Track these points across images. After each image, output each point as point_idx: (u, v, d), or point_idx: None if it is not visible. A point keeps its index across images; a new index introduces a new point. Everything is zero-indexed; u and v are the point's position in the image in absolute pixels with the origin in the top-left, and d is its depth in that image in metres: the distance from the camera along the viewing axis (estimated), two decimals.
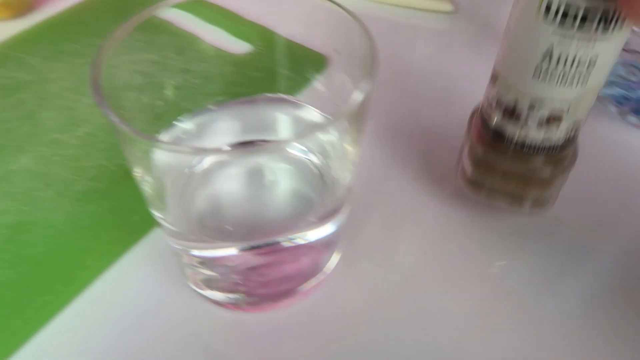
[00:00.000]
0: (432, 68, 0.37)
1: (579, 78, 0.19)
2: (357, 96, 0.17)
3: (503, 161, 0.23)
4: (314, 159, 0.23)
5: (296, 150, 0.24)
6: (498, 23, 0.41)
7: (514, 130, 0.22)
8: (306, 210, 0.23)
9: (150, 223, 0.26)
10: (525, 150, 0.22)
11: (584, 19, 0.17)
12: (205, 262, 0.22)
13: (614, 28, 0.18)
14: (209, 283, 0.23)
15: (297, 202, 0.23)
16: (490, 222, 0.27)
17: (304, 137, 0.16)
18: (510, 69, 0.21)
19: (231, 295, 0.23)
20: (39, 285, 0.24)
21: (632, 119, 0.30)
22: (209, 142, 0.25)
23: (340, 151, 0.22)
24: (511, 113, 0.21)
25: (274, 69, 0.27)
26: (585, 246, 0.25)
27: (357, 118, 0.18)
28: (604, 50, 0.18)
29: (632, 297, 0.24)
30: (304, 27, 0.24)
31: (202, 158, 0.25)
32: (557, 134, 0.21)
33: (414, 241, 0.26)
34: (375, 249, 0.26)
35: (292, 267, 0.22)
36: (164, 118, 0.25)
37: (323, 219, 0.21)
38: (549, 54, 0.19)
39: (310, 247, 0.21)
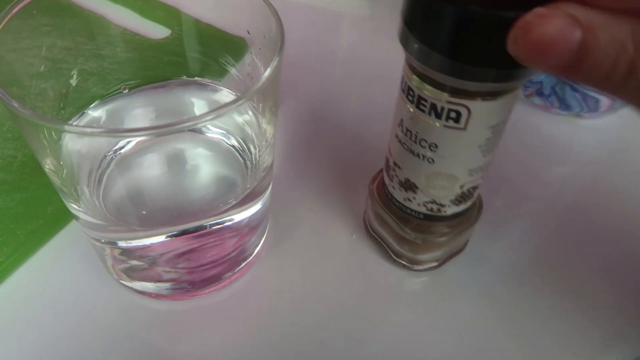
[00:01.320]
0: (354, 53, 0.38)
1: (423, 156, 0.20)
2: (267, 73, 0.17)
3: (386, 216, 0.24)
4: (234, 142, 0.23)
5: (215, 134, 0.24)
6: None
7: (387, 183, 0.23)
8: (229, 192, 0.23)
9: (66, 215, 0.25)
10: (397, 208, 0.23)
11: (418, 101, 0.19)
12: (128, 252, 0.22)
13: (448, 121, 0.18)
14: (132, 273, 0.22)
15: (220, 185, 0.23)
16: None
17: (218, 115, 0.16)
18: (391, 129, 0.22)
19: (156, 284, 0.23)
20: None
21: (537, 100, 0.32)
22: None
23: (258, 132, 0.22)
24: (387, 168, 0.23)
25: (190, 54, 0.27)
26: (496, 222, 0.27)
27: (269, 95, 0.19)
28: (443, 139, 0.19)
29: (542, 271, 0.26)
30: (218, 10, 0.24)
31: (117, 143, 0.24)
32: (415, 201, 0.22)
33: (338, 223, 0.27)
34: (300, 231, 0.26)
35: (218, 250, 0.22)
36: (73, 105, 0.23)
37: (246, 200, 0.21)
38: (401, 123, 0.20)
39: (235, 229, 0.22)
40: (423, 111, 0.19)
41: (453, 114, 0.18)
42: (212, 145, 0.24)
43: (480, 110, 0.18)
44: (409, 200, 0.22)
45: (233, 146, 0.23)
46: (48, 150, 0.18)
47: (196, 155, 0.24)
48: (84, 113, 0.23)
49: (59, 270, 0.24)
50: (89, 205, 0.21)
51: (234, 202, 0.20)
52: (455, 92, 0.18)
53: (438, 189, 0.21)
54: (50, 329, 0.22)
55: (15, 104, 0.15)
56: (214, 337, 0.22)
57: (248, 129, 0.22)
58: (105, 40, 0.26)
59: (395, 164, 0.22)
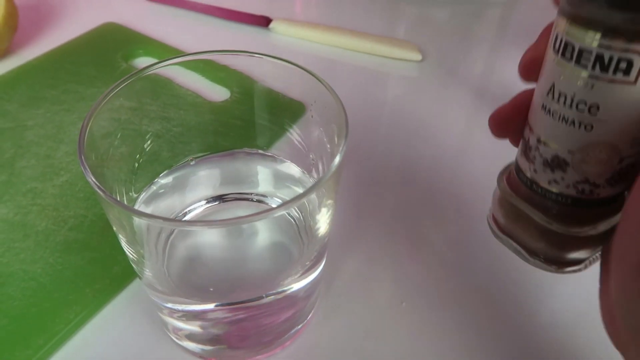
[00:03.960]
0: (403, 112, 0.39)
1: (580, 123, 0.18)
2: (336, 160, 0.18)
3: (522, 204, 0.21)
4: (293, 212, 0.24)
5: (274, 203, 0.25)
6: (462, 70, 0.44)
7: (525, 168, 0.21)
8: (287, 264, 0.24)
9: (130, 274, 0.26)
10: (540, 195, 0.21)
11: (579, 55, 0.17)
12: (185, 315, 0.23)
13: (616, 74, 0.17)
14: (190, 335, 0.23)
15: (278, 256, 0.24)
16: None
17: (291, 205, 0.17)
18: (532, 105, 0.21)
19: (211, 348, 0.23)
20: (19, 340, 0.24)
21: None
22: (187, 196, 0.26)
23: (317, 204, 0.23)
24: (526, 151, 0.21)
25: (251, 118, 0.28)
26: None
27: (335, 177, 0.20)
28: (606, 98, 0.17)
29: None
30: (280, 81, 0.25)
31: (182, 210, 0.26)
32: (564, 182, 0.20)
33: (390, 289, 0.27)
34: (350, 297, 0.27)
35: (272, 319, 0.22)
36: (145, 168, 0.25)
37: (304, 271, 0.22)
38: (551, 89, 0.18)
39: (290, 299, 0.22)
40: (585, 66, 0.17)
41: (623, 64, 0.16)
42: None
43: None
44: (556, 182, 0.20)
45: (291, 215, 0.24)
46: (120, 221, 0.19)
47: (258, 225, 0.25)
48: (154, 179, 0.25)
49: (122, 328, 0.25)
50: (151, 270, 0.23)
51: (293, 276, 0.21)
52: (631, 36, 0.16)
53: (594, 164, 0.19)
54: None
55: (100, 189, 0.17)
56: None
57: (307, 202, 0.23)
58: (171, 102, 0.28)
59: (539, 140, 0.20)
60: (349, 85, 0.41)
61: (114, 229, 0.20)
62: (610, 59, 0.17)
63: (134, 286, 0.26)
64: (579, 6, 0.17)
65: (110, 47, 0.42)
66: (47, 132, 0.34)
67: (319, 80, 0.21)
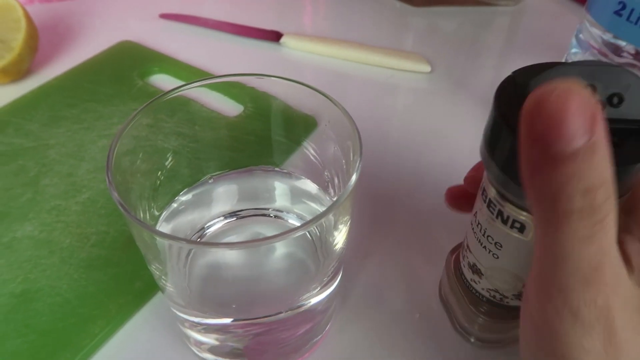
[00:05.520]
0: (413, 124, 0.40)
1: (489, 250, 0.21)
2: (353, 179, 0.19)
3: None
4: (311, 230, 0.25)
5: (294, 220, 0.26)
6: (471, 80, 0.44)
7: (460, 261, 0.24)
8: (305, 280, 0.25)
9: (152, 289, 0.27)
10: (466, 285, 0.24)
11: (489, 203, 0.20)
12: (206, 329, 0.23)
13: (512, 229, 0.19)
14: (210, 348, 0.24)
15: (296, 272, 0.25)
16: None
17: (310, 225, 0.17)
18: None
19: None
20: (47, 354, 0.25)
21: None
22: (207, 212, 0.27)
23: (334, 222, 0.23)
24: (463, 247, 0.24)
25: (266, 134, 0.29)
26: None
27: (352, 196, 0.20)
28: (507, 242, 0.20)
29: None
30: (292, 98, 0.26)
31: (203, 225, 0.27)
32: (480, 285, 0.23)
33: (404, 300, 0.28)
34: (367, 308, 0.27)
35: (290, 333, 0.23)
36: (166, 186, 0.26)
37: (322, 286, 0.22)
38: (475, 215, 0.21)
39: (308, 313, 0.23)
40: (492, 212, 0.20)
41: (518, 225, 0.19)
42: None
43: None
44: (475, 282, 0.23)
45: (310, 234, 0.25)
46: (144, 240, 0.20)
47: (276, 244, 0.25)
48: (174, 197, 0.26)
49: (145, 341, 0.26)
50: (174, 284, 0.23)
51: (311, 292, 0.22)
52: (523, 208, 0.18)
53: (500, 283, 0.22)
54: None
55: (117, 199, 0.18)
56: None
57: (324, 222, 0.24)
58: (185, 117, 0.28)
59: (467, 246, 0.23)
60: (359, 97, 0.42)
61: (138, 245, 0.21)
62: (508, 217, 0.19)
63: (155, 300, 0.27)
64: (488, 164, 0.18)
65: (127, 65, 0.43)
66: (69, 150, 0.35)
67: (332, 102, 0.22)
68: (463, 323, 0.25)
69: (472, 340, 0.25)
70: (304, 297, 0.22)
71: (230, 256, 0.22)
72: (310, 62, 0.46)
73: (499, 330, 0.24)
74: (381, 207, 0.33)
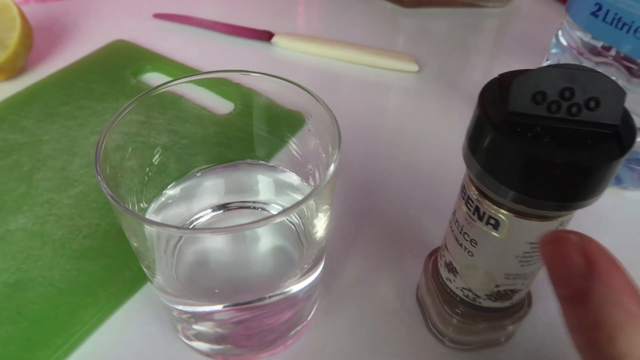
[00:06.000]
0: (402, 122, 0.40)
1: (465, 248, 0.22)
2: (331, 169, 0.20)
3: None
4: (292, 218, 0.26)
5: (275, 210, 0.27)
6: (459, 80, 0.45)
7: (438, 260, 0.25)
8: (288, 266, 0.25)
9: (141, 279, 0.28)
10: (441, 284, 0.25)
11: (467, 200, 0.20)
12: (194, 316, 0.24)
13: (487, 226, 0.20)
14: (198, 335, 0.25)
15: (280, 259, 0.26)
16: None
17: (290, 212, 0.18)
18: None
19: (218, 347, 0.25)
20: (39, 341, 0.25)
21: None
22: (194, 205, 0.27)
23: (315, 210, 0.24)
24: (442, 245, 0.25)
25: (254, 131, 0.30)
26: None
27: (331, 185, 0.21)
28: (482, 239, 0.20)
29: None
30: (280, 95, 0.27)
31: (190, 218, 0.27)
32: (454, 284, 0.23)
33: (386, 290, 0.29)
34: (349, 297, 0.28)
35: (275, 319, 0.24)
36: (154, 180, 0.27)
37: (304, 273, 0.23)
38: (454, 213, 0.22)
39: (292, 299, 0.24)
40: (470, 209, 0.20)
41: (492, 221, 0.20)
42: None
43: (520, 227, 0.19)
44: (450, 281, 0.24)
45: (291, 221, 0.26)
46: (133, 229, 0.21)
47: (260, 231, 0.26)
48: (163, 190, 0.27)
49: (134, 329, 0.27)
50: (161, 274, 0.24)
51: (293, 278, 0.23)
52: (500, 205, 0.19)
53: (475, 282, 0.22)
54: None
55: (115, 201, 0.19)
56: None
57: (305, 208, 0.25)
58: (176, 114, 0.29)
59: (445, 245, 0.24)
60: (349, 96, 0.43)
61: (127, 235, 0.21)
62: (484, 213, 0.20)
63: (145, 290, 0.28)
64: (469, 162, 0.19)
65: (120, 63, 0.44)
66: (62, 146, 0.36)
67: (314, 97, 0.23)
68: (437, 324, 0.26)
69: (446, 342, 0.26)
70: (286, 283, 0.23)
71: (215, 244, 0.23)
72: (301, 61, 0.47)
73: (473, 332, 0.25)
74: (369, 202, 0.34)
